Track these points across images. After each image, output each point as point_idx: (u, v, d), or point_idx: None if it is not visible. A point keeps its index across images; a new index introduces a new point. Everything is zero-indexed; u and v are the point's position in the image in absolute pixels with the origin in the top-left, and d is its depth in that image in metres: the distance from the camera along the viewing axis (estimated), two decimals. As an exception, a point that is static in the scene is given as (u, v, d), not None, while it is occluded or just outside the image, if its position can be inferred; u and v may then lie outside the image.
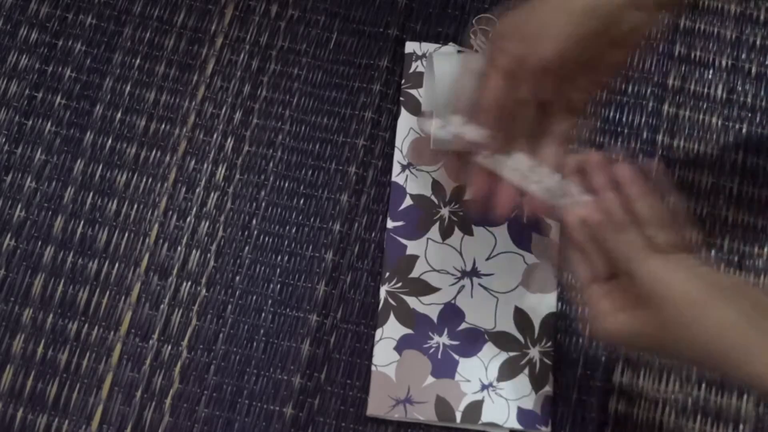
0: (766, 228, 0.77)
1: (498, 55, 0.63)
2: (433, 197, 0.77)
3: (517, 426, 0.71)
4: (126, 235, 0.77)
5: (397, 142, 0.79)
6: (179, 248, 0.77)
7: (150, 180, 0.79)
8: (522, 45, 0.62)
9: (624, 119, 0.80)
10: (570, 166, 0.64)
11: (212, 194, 0.78)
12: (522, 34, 0.62)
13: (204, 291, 0.76)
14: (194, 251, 0.77)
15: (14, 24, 0.83)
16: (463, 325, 0.74)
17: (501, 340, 0.73)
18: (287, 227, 0.77)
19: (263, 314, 0.75)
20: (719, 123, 0.80)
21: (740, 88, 0.81)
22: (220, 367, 0.74)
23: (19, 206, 0.78)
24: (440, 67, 0.70)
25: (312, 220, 0.77)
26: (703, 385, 0.73)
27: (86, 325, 0.75)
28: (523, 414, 0.71)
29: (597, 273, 0.62)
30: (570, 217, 0.63)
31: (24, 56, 0.82)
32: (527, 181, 0.64)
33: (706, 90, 0.81)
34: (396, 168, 0.78)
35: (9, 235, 0.77)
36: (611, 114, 0.80)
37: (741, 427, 0.72)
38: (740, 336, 0.55)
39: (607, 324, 0.60)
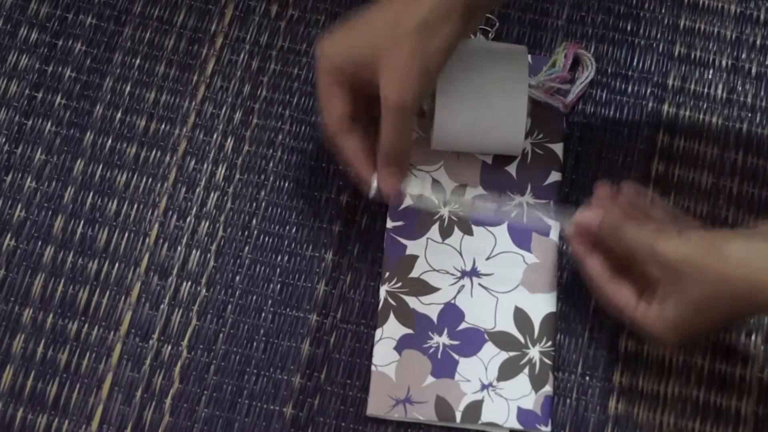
0: (766, 228, 0.77)
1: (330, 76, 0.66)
2: (432, 197, 0.77)
3: (517, 426, 0.71)
4: (126, 235, 0.77)
5: (397, 142, 0.79)
6: (179, 248, 0.77)
7: (150, 180, 0.79)
8: (356, 67, 0.65)
9: (624, 119, 0.80)
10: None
11: (212, 194, 0.78)
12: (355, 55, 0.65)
13: (204, 291, 0.76)
14: (194, 251, 0.77)
15: (14, 24, 0.83)
16: (463, 325, 0.74)
17: (501, 340, 0.73)
18: (287, 227, 0.77)
19: (263, 314, 0.75)
20: (719, 123, 0.80)
21: (740, 88, 0.81)
22: (220, 367, 0.74)
23: (19, 206, 0.78)
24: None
25: (312, 220, 0.77)
26: (703, 385, 0.73)
27: (86, 325, 0.75)
28: (523, 414, 0.71)
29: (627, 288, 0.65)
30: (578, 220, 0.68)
31: (24, 56, 0.82)
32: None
33: (706, 90, 0.81)
34: (396, 168, 0.78)
35: (9, 235, 0.77)
36: (611, 113, 0.80)
37: (741, 427, 0.72)
38: None
39: (666, 334, 0.61)
